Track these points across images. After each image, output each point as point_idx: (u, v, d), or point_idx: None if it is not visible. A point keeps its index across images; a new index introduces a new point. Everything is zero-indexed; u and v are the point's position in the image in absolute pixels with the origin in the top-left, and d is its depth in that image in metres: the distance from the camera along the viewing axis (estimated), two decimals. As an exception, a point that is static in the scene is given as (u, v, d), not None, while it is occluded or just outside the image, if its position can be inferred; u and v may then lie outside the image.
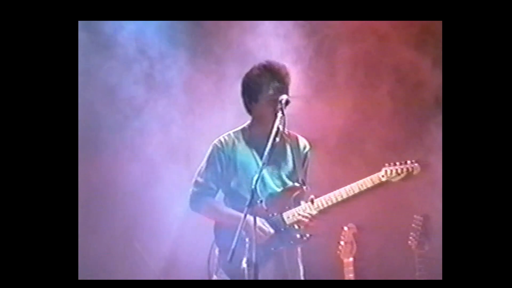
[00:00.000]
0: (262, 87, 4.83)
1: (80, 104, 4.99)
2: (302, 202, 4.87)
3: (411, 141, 5.92)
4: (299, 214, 4.82)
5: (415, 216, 5.69)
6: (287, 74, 4.87)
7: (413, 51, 6.11)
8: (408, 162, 4.86)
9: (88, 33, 6.41)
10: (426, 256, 5.58)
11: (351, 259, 5.76)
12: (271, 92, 4.79)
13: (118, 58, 6.64)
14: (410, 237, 5.64)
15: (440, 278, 4.26)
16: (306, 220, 4.80)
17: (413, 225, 5.66)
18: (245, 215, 4.19)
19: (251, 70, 4.94)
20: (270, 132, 4.44)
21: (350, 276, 5.73)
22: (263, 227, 4.78)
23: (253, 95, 4.89)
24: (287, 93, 4.77)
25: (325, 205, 4.82)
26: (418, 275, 5.55)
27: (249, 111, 4.96)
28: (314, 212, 4.81)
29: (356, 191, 4.82)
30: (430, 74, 5.91)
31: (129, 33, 6.62)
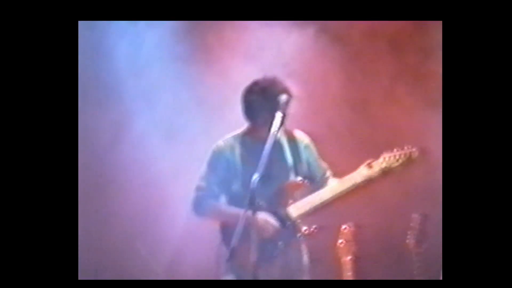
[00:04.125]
0: (263, 109, 4.81)
1: (80, 102, 4.99)
2: (306, 196, 4.89)
3: (411, 138, 5.91)
4: (303, 207, 4.85)
5: (413, 215, 5.70)
6: (288, 98, 4.69)
7: (412, 51, 6.13)
8: (405, 147, 4.85)
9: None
10: (424, 255, 5.59)
11: (349, 257, 5.77)
12: (268, 115, 4.68)
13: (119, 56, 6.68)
14: (408, 236, 5.65)
15: (438, 276, 4.27)
16: (311, 212, 4.85)
17: (411, 224, 5.67)
18: (244, 214, 4.21)
19: (251, 90, 4.93)
20: (269, 132, 4.45)
21: (348, 275, 5.72)
22: (269, 220, 4.81)
23: (252, 113, 4.93)
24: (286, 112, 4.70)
25: (329, 196, 4.86)
26: (416, 274, 5.55)
27: (247, 119, 5.00)
28: (318, 203, 4.84)
29: (358, 179, 4.83)
30: (429, 73, 5.93)
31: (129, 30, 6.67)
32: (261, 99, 4.85)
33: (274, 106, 4.63)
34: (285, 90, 4.82)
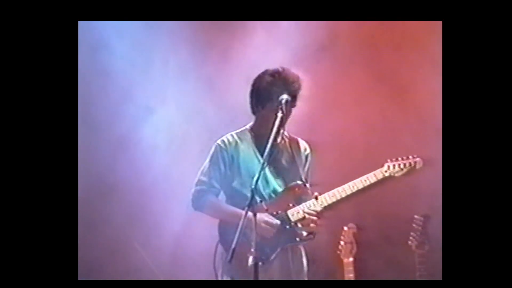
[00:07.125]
0: (272, 96, 4.79)
1: (80, 101, 5.00)
2: (307, 200, 4.87)
3: (412, 141, 5.91)
4: (304, 211, 4.83)
5: (415, 216, 5.70)
6: (300, 86, 4.85)
7: (412, 51, 6.11)
8: (410, 157, 4.86)
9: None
10: (427, 256, 5.58)
11: (351, 259, 5.78)
12: (275, 103, 4.71)
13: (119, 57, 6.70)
14: (411, 237, 5.65)
15: (440, 278, 4.25)
16: (311, 216, 4.81)
17: (413, 225, 5.67)
18: (246, 214, 4.20)
19: (264, 75, 4.91)
20: (271, 131, 4.47)
21: (350, 276, 5.74)
22: (270, 220, 4.80)
23: (261, 101, 4.89)
24: (295, 103, 4.80)
25: (329, 201, 4.82)
26: (418, 275, 5.55)
27: (254, 112, 4.97)
28: (318, 209, 4.82)
29: (360, 186, 4.81)
30: (429, 74, 5.91)
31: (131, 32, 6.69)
32: (271, 83, 4.83)
33: (283, 91, 4.70)
34: (295, 76, 4.85)
